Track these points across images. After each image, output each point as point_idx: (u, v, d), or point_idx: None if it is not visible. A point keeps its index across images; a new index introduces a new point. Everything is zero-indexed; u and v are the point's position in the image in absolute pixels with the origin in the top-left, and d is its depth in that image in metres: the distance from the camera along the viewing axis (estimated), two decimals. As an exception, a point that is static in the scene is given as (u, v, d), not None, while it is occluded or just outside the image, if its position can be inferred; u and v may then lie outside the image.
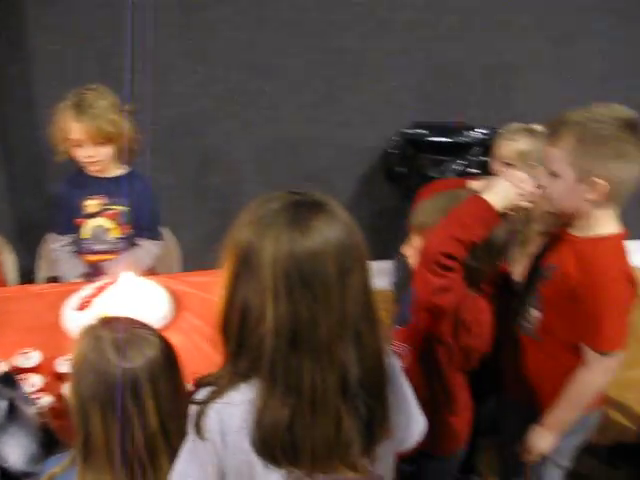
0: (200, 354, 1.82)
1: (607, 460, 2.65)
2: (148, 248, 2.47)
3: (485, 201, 1.55)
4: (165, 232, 2.64)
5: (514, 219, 1.70)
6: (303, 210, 1.09)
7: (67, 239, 2.48)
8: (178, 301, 2.15)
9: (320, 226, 1.08)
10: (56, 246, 2.50)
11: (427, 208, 1.73)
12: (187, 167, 3.36)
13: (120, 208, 2.40)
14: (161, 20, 2.99)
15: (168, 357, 1.35)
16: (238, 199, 3.38)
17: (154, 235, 2.50)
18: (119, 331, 1.32)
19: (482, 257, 1.61)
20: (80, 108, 2.25)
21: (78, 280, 2.39)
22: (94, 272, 2.40)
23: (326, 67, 3.31)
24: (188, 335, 1.99)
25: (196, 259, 2.72)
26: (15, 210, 3.35)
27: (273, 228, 1.07)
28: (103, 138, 2.28)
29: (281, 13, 3.18)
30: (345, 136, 3.42)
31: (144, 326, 1.40)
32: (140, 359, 1.30)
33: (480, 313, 1.71)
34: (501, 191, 1.59)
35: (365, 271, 1.14)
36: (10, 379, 1.61)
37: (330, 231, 1.08)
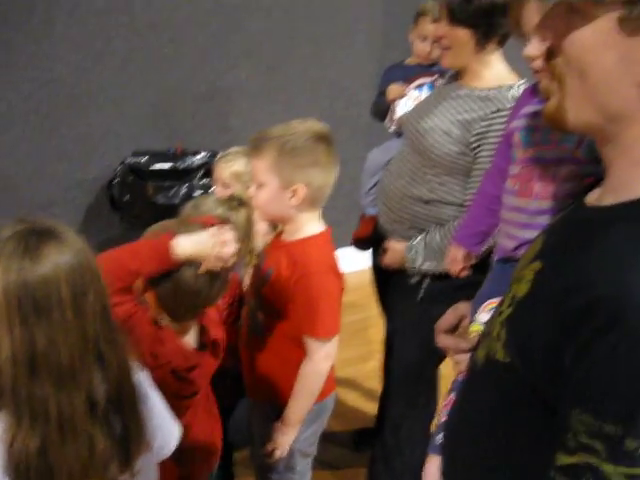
0: None
1: (352, 445, 2.87)
2: None
3: (168, 243, 1.55)
4: None
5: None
6: (33, 238, 1.12)
7: None
8: None
9: (50, 252, 1.11)
10: None
11: (152, 229, 1.72)
12: None
13: None
14: None
15: None
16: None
17: None
18: None
19: (175, 297, 1.61)
20: None
21: None
22: None
23: (42, 100, 3.25)
24: None
25: None
26: None
27: (2, 258, 1.09)
28: None
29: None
30: (66, 169, 3.37)
31: None
32: None
33: (161, 345, 1.65)
34: (198, 242, 1.59)
35: (102, 292, 1.18)
36: None
37: (61, 256, 1.12)
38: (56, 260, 1.11)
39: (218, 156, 2.44)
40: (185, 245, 1.56)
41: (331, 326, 1.85)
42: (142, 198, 3.24)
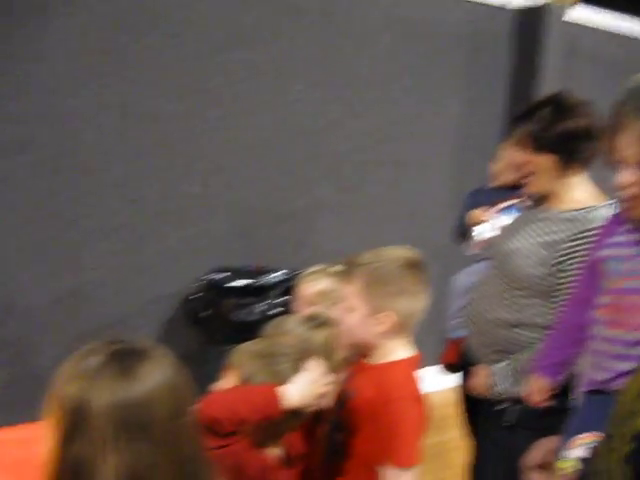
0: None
1: None
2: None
3: (278, 395, 1.60)
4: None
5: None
6: (128, 358, 1.11)
7: None
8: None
9: (148, 371, 1.10)
10: None
11: (243, 350, 1.77)
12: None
13: None
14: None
15: None
16: (36, 350, 3.25)
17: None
18: None
19: (282, 418, 1.65)
20: None
21: None
22: None
23: (126, 214, 3.37)
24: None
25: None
26: None
27: (101, 380, 1.08)
28: None
29: (77, 163, 3.23)
30: (147, 283, 3.45)
31: None
32: None
33: (269, 473, 1.69)
34: (303, 393, 1.66)
35: (194, 413, 1.17)
36: None
37: (159, 375, 1.11)
38: (156, 379, 1.10)
39: (302, 274, 2.45)
40: (293, 397, 1.62)
41: (411, 455, 1.78)
42: (220, 314, 3.28)
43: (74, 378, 1.09)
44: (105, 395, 1.07)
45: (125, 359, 1.11)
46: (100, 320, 3.36)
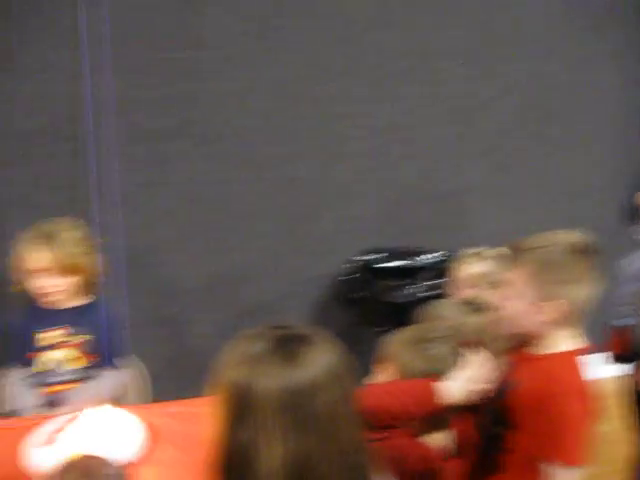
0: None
1: None
2: (114, 377, 2.42)
3: (433, 391, 1.59)
4: (133, 360, 2.60)
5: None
6: (292, 344, 1.10)
7: (24, 372, 2.42)
8: (153, 432, 2.00)
9: (313, 358, 1.09)
10: (12, 379, 2.42)
11: (396, 339, 1.75)
12: (142, 296, 3.30)
13: (84, 337, 2.37)
14: (121, 152, 3.09)
15: None
16: (193, 328, 3.39)
17: (120, 364, 2.46)
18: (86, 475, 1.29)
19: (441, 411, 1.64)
20: (48, 238, 2.28)
21: (36, 413, 2.30)
22: (55, 403, 2.32)
23: (279, 197, 3.43)
24: (168, 467, 1.86)
25: (155, 389, 2.69)
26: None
27: (267, 366, 1.08)
28: (69, 268, 2.29)
29: (233, 147, 3.32)
30: (300, 264, 3.50)
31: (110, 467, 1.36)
32: None
33: (431, 463, 1.67)
34: (464, 390, 1.65)
35: (355, 399, 1.15)
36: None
37: (323, 362, 1.10)
38: (320, 365, 1.09)
39: (457, 256, 2.40)
40: (453, 393, 1.61)
41: (577, 453, 1.68)
42: (373, 295, 3.27)
43: (240, 363, 1.10)
44: (271, 381, 1.06)
45: (290, 345, 1.10)
46: (254, 300, 3.45)
